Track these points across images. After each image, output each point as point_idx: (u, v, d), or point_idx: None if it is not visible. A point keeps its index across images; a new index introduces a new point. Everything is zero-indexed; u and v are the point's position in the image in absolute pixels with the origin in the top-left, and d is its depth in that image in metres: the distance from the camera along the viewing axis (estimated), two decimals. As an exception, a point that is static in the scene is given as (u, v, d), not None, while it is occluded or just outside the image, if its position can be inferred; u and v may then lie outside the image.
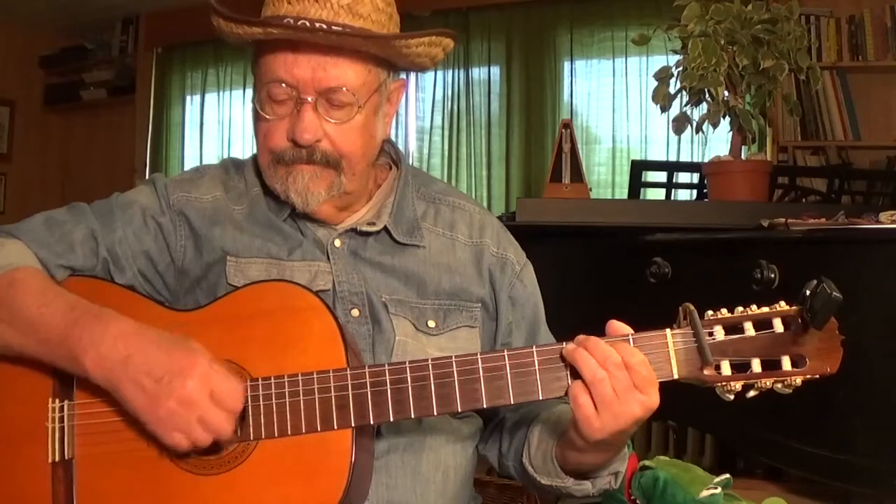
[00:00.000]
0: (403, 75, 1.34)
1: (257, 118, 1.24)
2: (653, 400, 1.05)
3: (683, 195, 2.82)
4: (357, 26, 1.18)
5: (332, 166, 1.22)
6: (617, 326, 1.09)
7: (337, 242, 1.27)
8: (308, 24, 1.15)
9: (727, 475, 1.61)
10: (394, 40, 1.20)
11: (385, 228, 1.29)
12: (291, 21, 1.16)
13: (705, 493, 1.56)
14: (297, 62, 1.18)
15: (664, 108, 2.32)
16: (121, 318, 1.11)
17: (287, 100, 1.20)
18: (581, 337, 1.07)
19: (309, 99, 1.18)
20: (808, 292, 1.03)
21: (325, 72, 1.18)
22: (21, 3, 5.52)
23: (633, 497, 1.63)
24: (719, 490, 1.56)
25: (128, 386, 1.06)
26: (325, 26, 1.15)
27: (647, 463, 1.67)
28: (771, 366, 1.07)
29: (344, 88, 1.19)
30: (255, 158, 1.38)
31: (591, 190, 2.65)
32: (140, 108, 5.98)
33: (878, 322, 1.58)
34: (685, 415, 1.92)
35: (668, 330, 1.08)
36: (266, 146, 1.23)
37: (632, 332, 1.08)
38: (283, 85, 1.19)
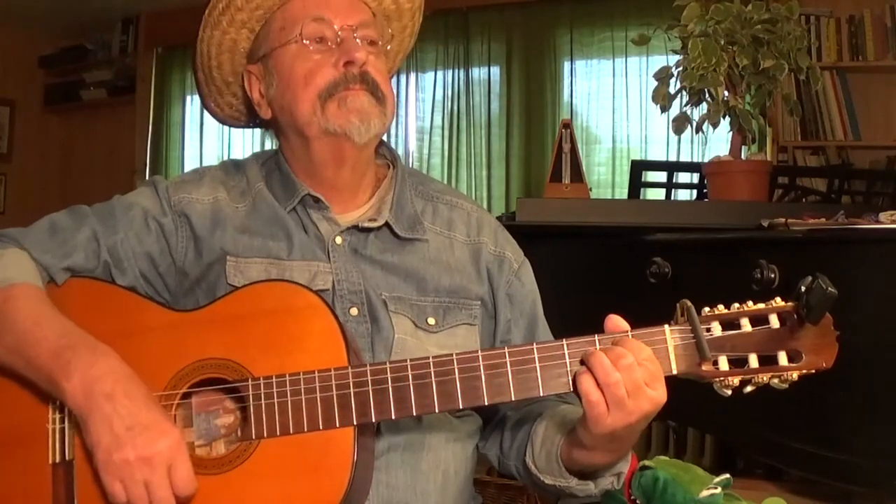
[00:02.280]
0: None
1: (290, 71, 1.26)
2: (660, 395, 1.06)
3: (683, 195, 2.82)
4: None
5: (378, 99, 1.26)
6: (615, 321, 1.09)
7: (338, 240, 1.28)
8: None
9: (727, 475, 1.61)
10: None
11: (387, 224, 1.29)
12: None
13: (705, 493, 1.56)
14: None
15: (664, 108, 2.31)
16: (116, 357, 1.10)
17: (324, 38, 1.25)
18: (589, 352, 1.07)
19: (347, 25, 1.25)
20: (803, 288, 1.04)
21: (356, 3, 1.29)
22: (21, 3, 5.51)
23: (633, 497, 1.64)
24: (719, 490, 1.57)
25: (98, 420, 1.05)
26: None
27: (647, 463, 1.67)
28: (768, 361, 1.07)
29: (374, 16, 1.30)
30: (255, 157, 1.38)
31: (591, 190, 2.65)
32: (140, 108, 5.98)
33: (878, 322, 1.58)
34: (685, 415, 1.92)
35: (666, 326, 1.08)
36: (313, 85, 1.24)
37: (629, 328, 1.09)
38: (323, 19, 1.25)
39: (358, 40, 1.26)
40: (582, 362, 1.07)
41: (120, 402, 1.06)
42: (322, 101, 1.24)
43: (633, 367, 1.04)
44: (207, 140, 5.91)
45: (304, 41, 1.25)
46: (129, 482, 1.04)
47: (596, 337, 1.09)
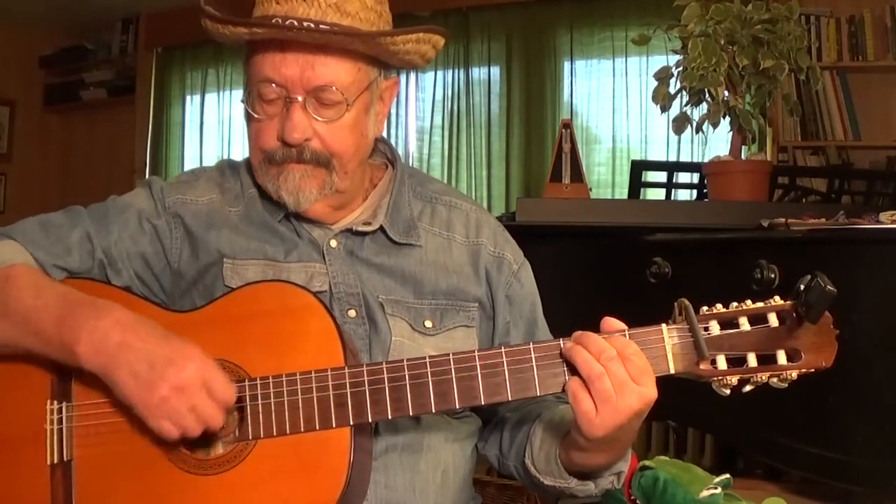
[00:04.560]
0: (397, 74, 1.34)
1: (248, 119, 1.25)
2: (650, 391, 1.04)
3: (683, 195, 2.82)
4: (345, 24, 1.18)
5: (323, 165, 1.22)
6: (611, 323, 1.09)
7: (333, 243, 1.27)
8: (295, 23, 1.16)
9: (727, 475, 1.60)
10: (379, 37, 1.20)
11: (381, 228, 1.29)
12: (279, 21, 1.16)
13: (705, 493, 1.56)
14: (284, 61, 1.18)
15: (664, 108, 2.32)
16: (117, 306, 1.11)
17: (276, 99, 1.20)
18: (577, 333, 1.07)
19: (298, 98, 1.19)
20: (802, 286, 1.03)
21: (313, 70, 1.18)
22: (21, 3, 5.52)
23: (633, 497, 1.63)
24: (719, 490, 1.56)
25: (121, 371, 1.06)
26: (311, 25, 1.16)
27: (647, 463, 1.67)
28: (766, 360, 1.07)
29: (333, 87, 1.19)
30: (250, 161, 1.38)
31: (591, 190, 2.65)
32: (140, 108, 5.99)
33: (878, 322, 1.58)
34: (685, 415, 1.92)
35: (663, 325, 1.08)
36: (257, 146, 1.24)
37: (626, 328, 1.08)
38: (272, 84, 1.19)
39: (310, 109, 1.19)
40: (564, 360, 1.07)
41: (135, 346, 1.06)
42: (266, 162, 1.24)
43: (616, 361, 1.03)
44: (207, 140, 5.92)
45: (255, 105, 1.21)
46: (175, 416, 1.05)
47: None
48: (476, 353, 1.09)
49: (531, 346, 1.09)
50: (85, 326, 1.08)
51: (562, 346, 1.08)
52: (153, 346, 1.07)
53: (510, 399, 1.09)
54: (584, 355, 1.04)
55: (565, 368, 1.07)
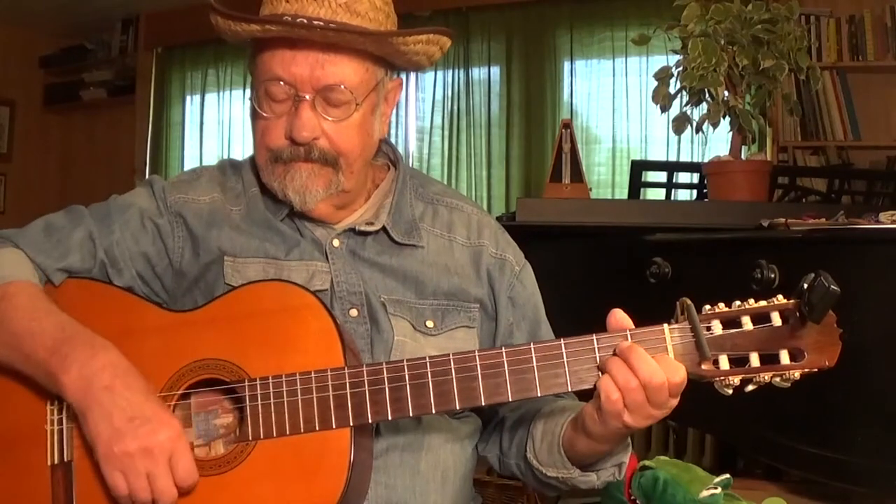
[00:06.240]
0: (400, 76, 1.35)
1: (255, 117, 1.24)
2: (677, 401, 1.07)
3: (683, 195, 2.82)
4: (355, 24, 1.19)
5: (330, 164, 1.22)
6: (619, 318, 1.09)
7: (335, 242, 1.27)
8: (306, 21, 1.16)
9: (727, 475, 1.60)
10: (391, 37, 1.21)
11: (383, 228, 1.29)
12: (289, 19, 1.17)
13: (705, 493, 1.56)
14: (294, 60, 1.18)
15: (664, 108, 2.31)
16: (113, 348, 1.11)
17: (285, 98, 1.20)
18: (625, 346, 1.06)
19: (307, 97, 1.19)
20: (805, 286, 1.03)
21: (322, 69, 1.19)
22: (21, 3, 5.52)
23: (633, 497, 1.63)
24: (719, 490, 1.56)
25: (98, 413, 1.06)
26: (322, 23, 1.16)
27: (647, 463, 1.67)
28: (769, 360, 1.06)
29: (342, 86, 1.20)
30: (252, 159, 1.38)
31: (591, 190, 2.65)
32: (140, 108, 5.99)
33: (879, 322, 1.58)
34: (685, 415, 1.91)
35: (665, 325, 1.08)
36: (264, 144, 1.24)
37: (632, 326, 1.08)
38: (281, 83, 1.19)
39: (318, 108, 1.19)
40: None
41: (120, 394, 1.06)
42: (272, 160, 1.23)
43: (662, 389, 1.04)
44: (207, 140, 5.91)
45: (262, 103, 1.21)
46: (130, 474, 1.04)
47: (594, 336, 1.08)
48: (476, 354, 1.09)
49: (532, 346, 1.09)
50: (78, 359, 1.08)
51: (562, 347, 1.08)
52: (138, 400, 1.07)
53: (511, 400, 1.09)
54: (619, 368, 1.05)
55: (566, 370, 1.07)
